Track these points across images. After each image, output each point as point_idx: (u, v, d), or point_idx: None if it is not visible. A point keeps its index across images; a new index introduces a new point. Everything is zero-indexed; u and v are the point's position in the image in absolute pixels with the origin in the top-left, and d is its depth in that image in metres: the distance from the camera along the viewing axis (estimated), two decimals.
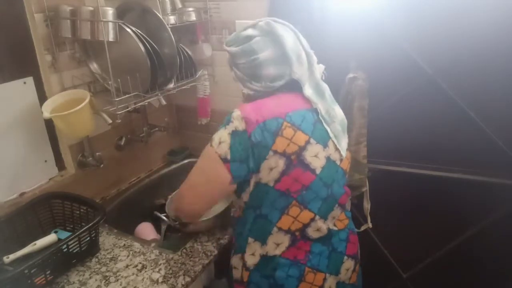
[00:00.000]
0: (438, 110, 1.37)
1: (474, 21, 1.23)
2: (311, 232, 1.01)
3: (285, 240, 0.99)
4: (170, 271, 1.14)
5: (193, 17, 1.50)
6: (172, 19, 1.42)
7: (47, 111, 1.18)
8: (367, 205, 1.55)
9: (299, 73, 0.97)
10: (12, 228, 1.16)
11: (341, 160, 1.04)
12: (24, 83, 1.23)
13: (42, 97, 1.27)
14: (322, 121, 0.99)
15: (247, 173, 0.94)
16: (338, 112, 1.06)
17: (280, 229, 0.98)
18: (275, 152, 0.91)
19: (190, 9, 1.49)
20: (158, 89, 1.38)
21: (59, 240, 1.15)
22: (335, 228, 1.06)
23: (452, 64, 1.30)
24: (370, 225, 1.58)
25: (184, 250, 1.23)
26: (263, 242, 1.00)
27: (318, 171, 0.96)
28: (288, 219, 0.98)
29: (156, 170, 1.78)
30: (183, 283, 1.10)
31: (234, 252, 1.10)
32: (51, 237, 1.17)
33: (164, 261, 1.19)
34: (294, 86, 0.99)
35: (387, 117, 1.46)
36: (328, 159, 0.99)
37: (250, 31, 0.98)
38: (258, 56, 0.96)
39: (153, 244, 1.26)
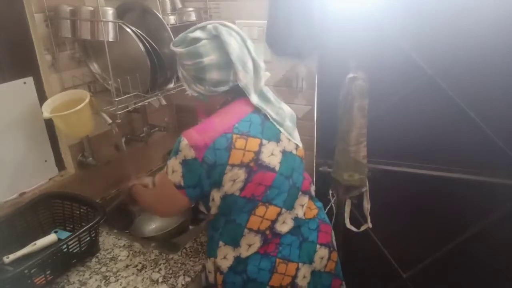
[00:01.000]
0: (438, 110, 1.37)
1: (474, 21, 1.23)
2: (279, 227, 1.03)
3: (257, 241, 1.01)
4: (170, 271, 1.14)
5: (193, 17, 1.49)
6: (172, 19, 1.42)
7: (47, 111, 1.18)
8: (367, 205, 1.55)
9: (245, 81, 0.98)
10: (12, 228, 1.16)
11: (296, 149, 1.08)
12: (24, 83, 1.23)
13: (42, 97, 1.27)
14: (274, 123, 1.03)
15: (201, 193, 0.99)
16: (286, 109, 1.10)
17: (250, 230, 1.00)
18: (233, 165, 0.94)
19: (190, 9, 1.49)
20: (158, 89, 1.38)
21: (59, 240, 1.15)
22: (303, 218, 1.08)
23: (452, 64, 1.30)
24: (370, 225, 1.58)
25: (184, 250, 1.23)
26: (235, 245, 1.02)
27: (277, 168, 1.00)
28: (256, 219, 1.00)
29: (156, 170, 1.78)
30: (183, 283, 1.10)
31: (206, 255, 1.12)
32: (51, 237, 1.17)
33: (164, 261, 1.19)
34: (238, 92, 1.01)
35: (387, 117, 1.46)
36: (284, 152, 1.03)
37: (198, 33, 0.98)
38: (203, 59, 0.96)
39: (153, 244, 1.26)
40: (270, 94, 1.07)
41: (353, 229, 1.61)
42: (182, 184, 0.97)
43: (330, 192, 1.60)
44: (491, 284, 1.52)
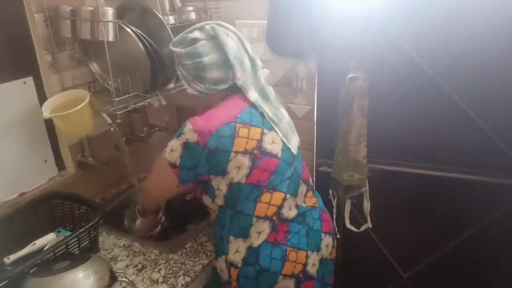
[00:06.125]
0: (438, 110, 1.37)
1: (474, 21, 1.23)
2: (286, 213, 1.06)
3: (266, 227, 1.04)
4: (170, 271, 1.14)
5: (192, 17, 1.49)
6: (171, 19, 1.42)
7: (47, 111, 1.18)
8: (367, 205, 1.55)
9: (242, 80, 1.02)
10: (12, 228, 1.16)
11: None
12: (24, 83, 1.23)
13: (42, 97, 1.27)
14: (270, 122, 1.06)
15: (195, 177, 1.02)
16: (284, 113, 1.14)
17: (258, 217, 1.03)
18: (237, 152, 0.98)
19: (190, 8, 1.49)
20: (158, 89, 1.38)
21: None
22: (304, 205, 1.12)
23: (452, 64, 1.30)
24: (370, 225, 1.58)
25: (184, 250, 1.23)
26: (245, 236, 1.04)
27: (280, 155, 1.04)
28: (263, 206, 1.03)
29: None
30: (183, 283, 1.10)
31: (216, 255, 1.12)
32: (50, 237, 1.17)
33: (164, 261, 1.19)
34: (237, 89, 1.05)
35: (387, 117, 1.45)
36: (283, 141, 1.07)
37: (196, 34, 1.02)
38: (203, 59, 1.00)
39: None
40: (271, 94, 1.11)
41: (353, 229, 1.61)
42: (178, 163, 1.00)
43: (330, 192, 1.60)
44: (491, 284, 1.52)
